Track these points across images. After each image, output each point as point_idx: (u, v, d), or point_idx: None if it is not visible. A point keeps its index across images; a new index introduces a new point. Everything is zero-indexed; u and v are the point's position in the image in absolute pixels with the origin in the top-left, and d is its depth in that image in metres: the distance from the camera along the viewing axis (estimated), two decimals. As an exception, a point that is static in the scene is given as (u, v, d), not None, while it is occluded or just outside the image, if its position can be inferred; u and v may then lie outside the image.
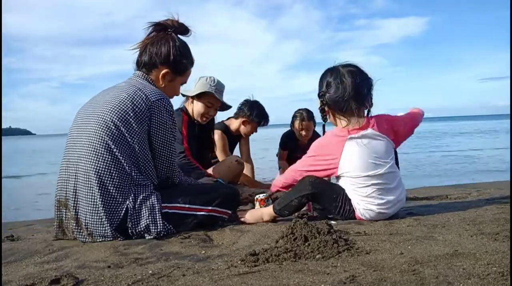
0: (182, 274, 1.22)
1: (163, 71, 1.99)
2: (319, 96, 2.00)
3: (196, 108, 3.00)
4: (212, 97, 2.97)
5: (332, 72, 1.97)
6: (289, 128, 3.93)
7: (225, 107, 3.19)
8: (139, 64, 2.01)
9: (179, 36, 2.04)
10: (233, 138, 3.68)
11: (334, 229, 1.59)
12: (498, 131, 17.94)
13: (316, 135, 3.76)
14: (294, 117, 3.78)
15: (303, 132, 3.74)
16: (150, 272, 1.26)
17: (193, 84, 3.03)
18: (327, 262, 1.26)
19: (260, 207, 2.50)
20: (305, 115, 3.70)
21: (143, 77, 1.98)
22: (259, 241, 1.61)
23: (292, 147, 3.86)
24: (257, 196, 2.60)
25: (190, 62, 2.09)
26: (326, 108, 1.99)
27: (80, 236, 1.77)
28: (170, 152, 1.91)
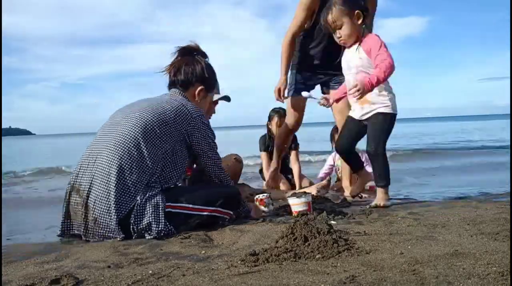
0: (182, 274, 1.22)
1: (199, 88, 2.20)
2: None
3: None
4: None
5: None
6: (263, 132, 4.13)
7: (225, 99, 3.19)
8: (175, 83, 2.19)
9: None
10: None
11: (334, 229, 1.59)
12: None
13: None
14: (271, 116, 4.04)
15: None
16: (150, 272, 1.26)
17: None
18: (327, 262, 1.26)
19: (259, 206, 2.51)
20: (282, 112, 3.95)
21: (180, 94, 2.16)
22: (259, 241, 1.61)
23: (271, 146, 3.96)
24: (257, 196, 2.61)
25: (217, 81, 2.38)
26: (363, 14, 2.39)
27: (84, 221, 1.79)
28: (216, 158, 2.11)
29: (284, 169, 4.04)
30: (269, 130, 4.05)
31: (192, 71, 2.18)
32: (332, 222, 1.91)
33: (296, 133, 3.78)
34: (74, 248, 1.67)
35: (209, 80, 2.25)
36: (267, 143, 3.99)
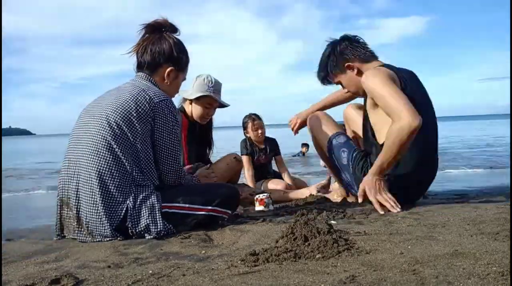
0: (182, 274, 1.22)
1: (168, 69, 2.02)
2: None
3: (196, 111, 3.00)
4: (211, 99, 2.96)
5: None
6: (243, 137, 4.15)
7: (223, 106, 3.17)
8: (142, 65, 2.01)
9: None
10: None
11: (334, 229, 1.59)
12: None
13: (270, 138, 4.13)
14: (245, 122, 4.06)
15: (259, 131, 4.00)
16: (150, 272, 1.26)
17: (190, 85, 3.01)
18: (327, 262, 1.26)
19: (258, 206, 2.53)
20: (254, 116, 4.03)
21: (146, 78, 1.99)
22: (259, 241, 1.61)
23: (252, 150, 4.03)
24: (257, 196, 2.62)
25: (188, 58, 2.12)
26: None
27: (80, 235, 1.77)
28: (175, 153, 1.90)
29: (268, 175, 4.07)
30: (248, 138, 4.04)
31: (159, 50, 1.98)
32: (332, 222, 1.91)
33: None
34: (74, 248, 1.66)
35: (179, 59, 2.04)
36: (248, 147, 4.00)
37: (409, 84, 2.19)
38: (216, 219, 1.94)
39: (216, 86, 2.98)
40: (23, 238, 2.05)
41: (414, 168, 2.20)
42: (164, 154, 1.88)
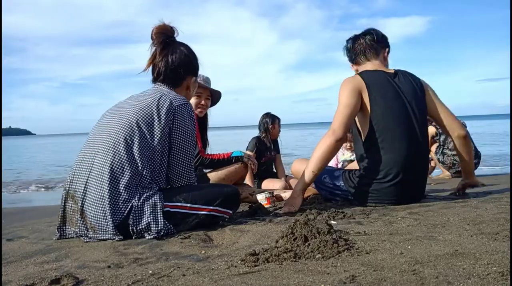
0: (182, 274, 1.22)
1: (192, 80, 2.12)
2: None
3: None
4: (199, 87, 3.03)
5: None
6: (257, 134, 4.40)
7: (215, 96, 3.19)
8: (164, 78, 2.04)
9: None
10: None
11: (334, 229, 1.59)
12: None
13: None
14: (273, 121, 4.31)
15: (280, 128, 4.37)
16: (150, 272, 1.26)
17: None
18: (327, 262, 1.26)
19: (265, 205, 2.56)
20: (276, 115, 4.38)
21: (166, 87, 2.04)
22: (259, 241, 1.61)
23: (261, 149, 4.22)
24: (264, 195, 2.69)
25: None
26: None
27: (82, 229, 1.78)
28: (189, 156, 1.95)
29: (270, 173, 4.20)
30: (264, 136, 4.24)
31: (180, 63, 2.03)
32: (332, 222, 1.91)
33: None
34: (74, 248, 1.67)
35: (196, 67, 2.14)
36: (257, 145, 4.17)
37: (383, 97, 2.38)
38: (217, 219, 1.95)
39: (202, 79, 3.06)
40: (23, 238, 2.05)
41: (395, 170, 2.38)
42: (179, 156, 1.92)
